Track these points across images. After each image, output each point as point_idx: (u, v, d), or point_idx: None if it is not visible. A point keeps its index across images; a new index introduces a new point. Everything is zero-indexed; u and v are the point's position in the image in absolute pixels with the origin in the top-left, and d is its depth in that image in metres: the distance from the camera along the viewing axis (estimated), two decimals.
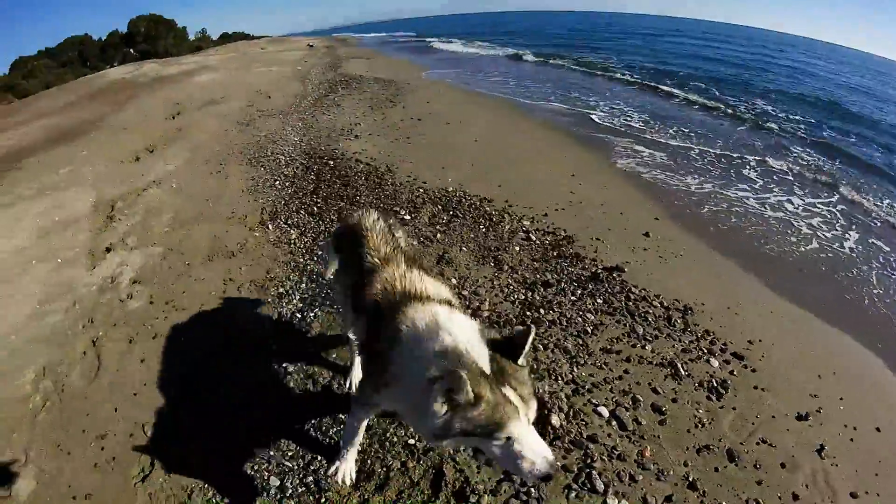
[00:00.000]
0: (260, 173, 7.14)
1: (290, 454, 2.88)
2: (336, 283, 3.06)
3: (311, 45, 31.52)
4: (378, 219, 2.74)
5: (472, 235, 5.38)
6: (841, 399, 3.83)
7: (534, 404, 1.81)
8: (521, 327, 1.83)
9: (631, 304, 4.44)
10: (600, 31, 49.00)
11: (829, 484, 3.08)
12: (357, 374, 3.31)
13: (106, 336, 3.91)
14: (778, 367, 4.05)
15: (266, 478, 2.73)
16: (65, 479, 2.80)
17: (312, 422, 3.09)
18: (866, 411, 3.75)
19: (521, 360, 1.84)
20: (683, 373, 3.72)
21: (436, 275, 2.42)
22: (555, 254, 5.10)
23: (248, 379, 3.43)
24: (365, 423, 2.61)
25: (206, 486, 2.70)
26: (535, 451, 1.76)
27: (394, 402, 2.09)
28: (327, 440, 2.98)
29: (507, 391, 1.75)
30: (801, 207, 7.58)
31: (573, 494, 2.72)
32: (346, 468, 2.70)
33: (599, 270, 4.85)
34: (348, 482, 2.67)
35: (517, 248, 5.16)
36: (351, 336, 3.08)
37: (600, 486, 2.78)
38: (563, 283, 4.65)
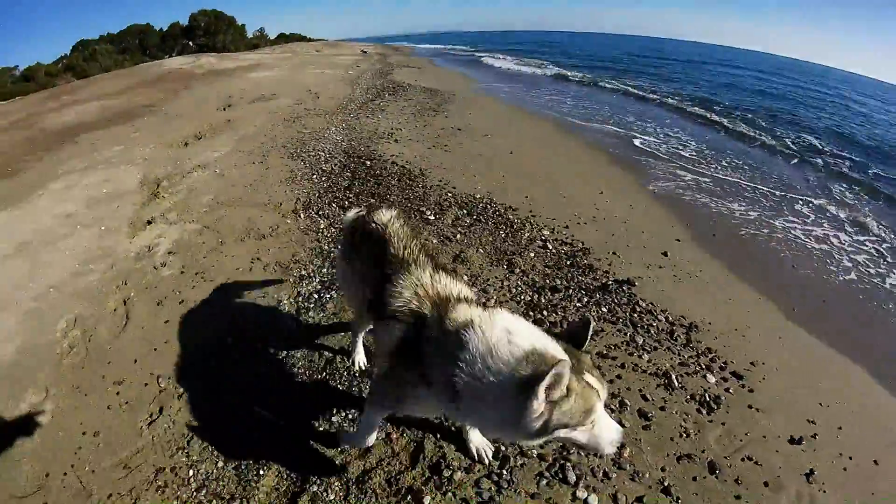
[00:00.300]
0: (299, 166, 7.48)
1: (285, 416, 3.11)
2: (348, 278, 2.97)
3: (365, 52, 32.27)
4: (399, 217, 2.73)
5: (490, 239, 5.54)
6: (840, 428, 3.79)
7: (606, 386, 1.92)
8: (578, 320, 1.96)
9: (635, 315, 4.50)
10: (650, 57, 48.48)
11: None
12: (360, 356, 3.50)
13: (137, 297, 4.26)
14: (777, 390, 4.05)
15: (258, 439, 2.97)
16: (78, 416, 3.11)
17: (314, 389, 3.33)
18: (866, 443, 3.72)
19: (585, 348, 1.95)
20: (677, 384, 3.77)
21: (455, 274, 2.47)
22: (568, 263, 5.22)
23: (260, 350, 3.67)
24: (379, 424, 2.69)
25: (203, 437, 2.95)
26: (613, 427, 1.93)
27: (463, 413, 1.99)
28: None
29: (588, 378, 1.83)
30: (847, 243, 7.45)
31: (544, 482, 2.82)
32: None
33: (609, 282, 4.94)
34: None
35: (532, 255, 5.29)
36: (359, 331, 3.36)
37: (572, 478, 2.87)
38: (571, 290, 4.75)
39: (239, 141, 8.85)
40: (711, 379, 3.98)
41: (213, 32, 42.49)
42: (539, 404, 1.71)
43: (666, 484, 2.98)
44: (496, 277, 4.81)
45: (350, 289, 3.00)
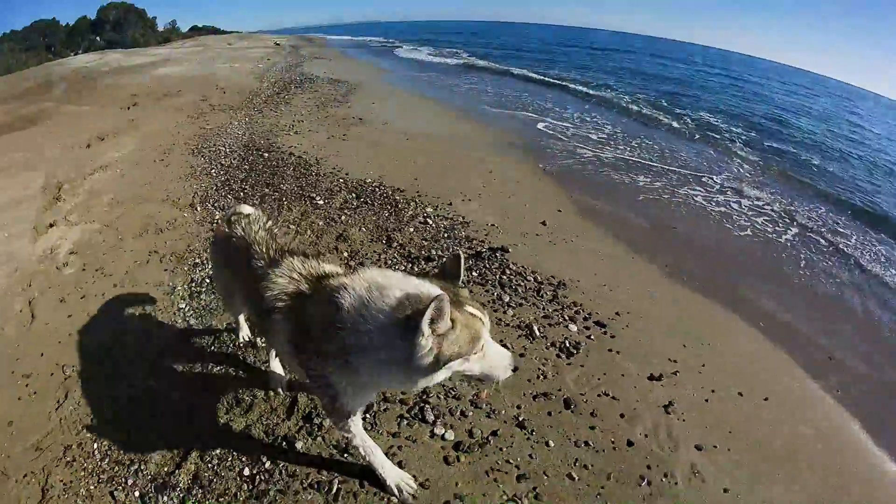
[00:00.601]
0: (199, 162, 7.68)
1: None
2: (229, 294, 3.04)
3: (278, 44, 31.87)
4: (258, 220, 2.80)
5: (374, 218, 5.92)
6: (703, 366, 4.08)
7: (488, 314, 2.00)
8: (450, 256, 2.12)
9: (505, 277, 4.87)
10: (569, 46, 49.66)
11: (671, 436, 3.34)
12: (244, 331, 3.77)
13: (41, 296, 4.45)
14: (640, 335, 4.35)
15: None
16: None
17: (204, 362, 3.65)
18: (732, 378, 3.99)
19: (460, 282, 2.05)
20: (539, 334, 4.07)
21: (323, 257, 2.58)
22: (446, 235, 5.64)
23: (155, 332, 3.96)
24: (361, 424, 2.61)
25: (105, 414, 3.24)
26: (503, 352, 2.05)
27: (366, 373, 2.01)
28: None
29: (469, 308, 1.92)
30: (747, 207, 8.23)
31: (405, 423, 3.10)
32: (403, 480, 2.78)
33: (483, 250, 5.36)
34: (414, 487, 2.79)
35: (412, 230, 5.69)
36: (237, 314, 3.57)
37: (430, 418, 3.14)
38: (444, 259, 5.12)
39: (142, 140, 8.97)
40: (574, 328, 4.29)
41: (123, 27, 40.73)
42: (426, 339, 1.78)
43: (521, 419, 3.26)
44: (374, 252, 5.21)
45: (226, 291, 3.15)
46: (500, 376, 2.05)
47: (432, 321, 1.75)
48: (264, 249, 2.53)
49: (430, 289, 1.91)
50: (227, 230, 2.82)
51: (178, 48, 26.89)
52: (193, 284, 4.56)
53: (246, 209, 2.98)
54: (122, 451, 2.93)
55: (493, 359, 2.02)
